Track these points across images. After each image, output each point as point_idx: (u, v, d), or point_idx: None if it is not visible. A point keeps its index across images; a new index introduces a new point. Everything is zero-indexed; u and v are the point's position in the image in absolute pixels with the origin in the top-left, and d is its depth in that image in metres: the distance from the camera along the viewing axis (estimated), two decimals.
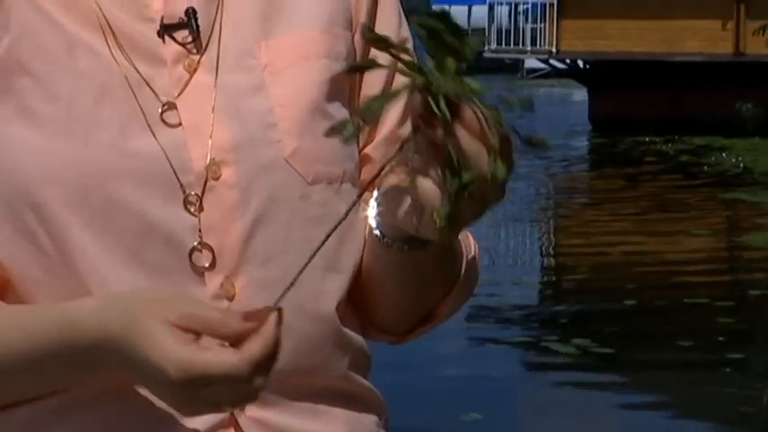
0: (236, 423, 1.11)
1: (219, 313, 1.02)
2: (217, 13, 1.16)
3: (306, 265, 1.02)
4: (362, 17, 1.22)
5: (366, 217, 1.12)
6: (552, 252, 14.64)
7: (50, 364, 1.08)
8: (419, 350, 8.59)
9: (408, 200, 1.02)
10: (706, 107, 23.85)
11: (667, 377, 8.48)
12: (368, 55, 1.19)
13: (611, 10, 26.22)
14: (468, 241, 1.24)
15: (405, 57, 0.98)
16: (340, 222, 1.03)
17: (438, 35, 0.96)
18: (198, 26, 1.14)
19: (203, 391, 0.98)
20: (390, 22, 1.24)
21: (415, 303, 1.21)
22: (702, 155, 21.63)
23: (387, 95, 1.03)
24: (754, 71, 20.69)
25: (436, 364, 8.53)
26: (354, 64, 1.07)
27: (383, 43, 1.01)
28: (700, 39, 25.60)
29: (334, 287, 1.16)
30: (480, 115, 0.96)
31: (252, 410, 1.10)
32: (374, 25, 1.22)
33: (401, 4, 1.28)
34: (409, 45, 1.06)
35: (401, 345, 1.30)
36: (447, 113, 0.95)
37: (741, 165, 20.11)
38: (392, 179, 1.03)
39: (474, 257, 1.25)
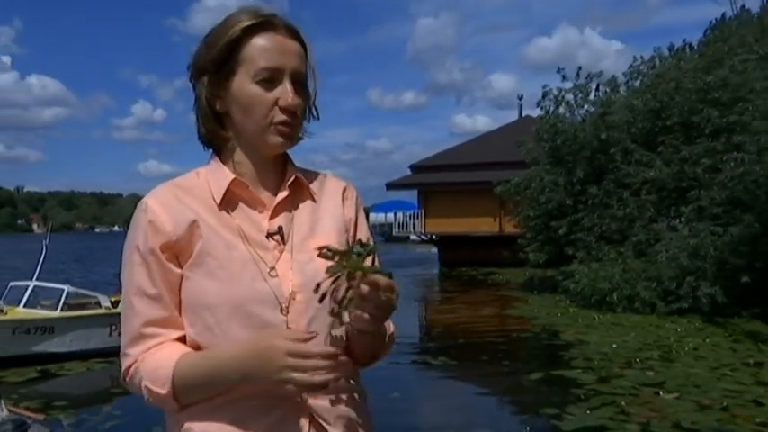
0: (308, 407, 1.04)
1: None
2: (291, 226, 1.10)
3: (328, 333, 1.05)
4: (350, 229, 1.15)
5: (346, 322, 1.05)
6: (425, 318, 14.22)
7: (221, 381, 1.02)
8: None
9: (359, 316, 0.99)
10: (489, 255, 23.97)
11: (477, 375, 8.30)
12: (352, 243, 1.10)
13: (450, 214, 26.35)
14: (389, 325, 1.15)
15: (347, 257, 0.96)
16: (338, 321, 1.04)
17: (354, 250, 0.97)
18: (283, 233, 1.09)
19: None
20: (362, 232, 1.17)
21: (369, 353, 1.13)
22: (488, 275, 21.45)
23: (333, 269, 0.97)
24: (509, 239, 20.94)
25: (376, 370, 8.35)
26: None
27: (332, 252, 0.97)
28: (485, 226, 25.68)
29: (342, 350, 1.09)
30: (377, 277, 0.95)
31: (311, 400, 1.04)
32: (356, 233, 1.14)
33: (366, 218, 1.21)
34: (371, 243, 1.00)
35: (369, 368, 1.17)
36: (358, 278, 0.95)
37: (505, 279, 19.99)
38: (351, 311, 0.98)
39: (392, 333, 1.17)
